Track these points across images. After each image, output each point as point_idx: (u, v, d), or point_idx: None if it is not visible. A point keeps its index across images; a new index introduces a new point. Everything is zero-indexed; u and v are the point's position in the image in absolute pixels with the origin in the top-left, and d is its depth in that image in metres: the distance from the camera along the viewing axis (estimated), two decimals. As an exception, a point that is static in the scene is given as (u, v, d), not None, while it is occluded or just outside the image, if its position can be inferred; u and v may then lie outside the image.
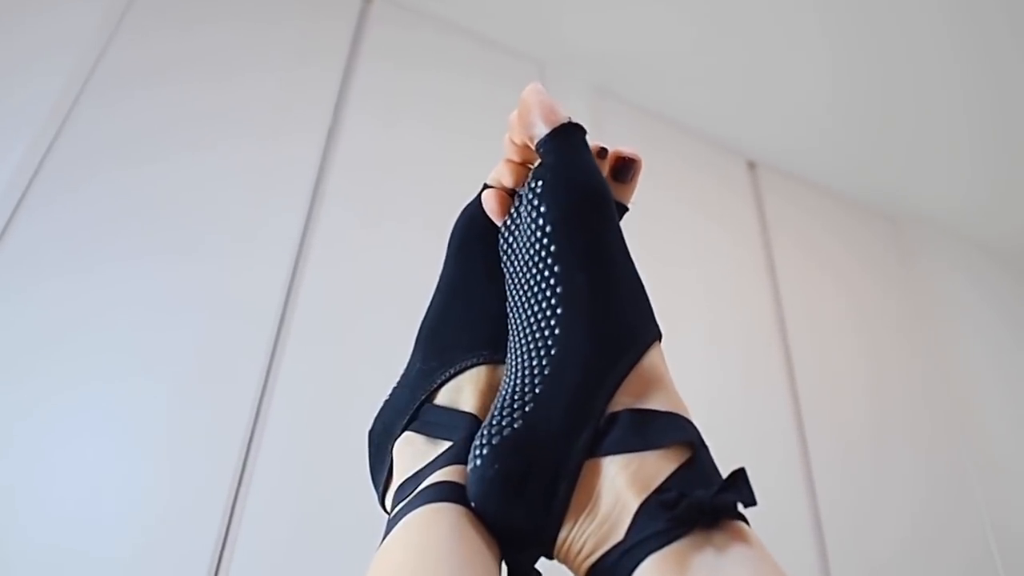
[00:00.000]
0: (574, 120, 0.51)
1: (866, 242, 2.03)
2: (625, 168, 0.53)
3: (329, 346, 1.25)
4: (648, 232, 1.55)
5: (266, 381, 1.18)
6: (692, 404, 0.48)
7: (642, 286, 0.50)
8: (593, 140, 0.52)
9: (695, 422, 0.45)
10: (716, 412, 1.48)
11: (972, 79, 1.78)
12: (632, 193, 0.54)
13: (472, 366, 0.52)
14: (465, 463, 0.45)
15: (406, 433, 0.51)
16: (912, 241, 2.08)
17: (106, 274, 1.17)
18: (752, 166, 1.99)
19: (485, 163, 0.58)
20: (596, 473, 0.42)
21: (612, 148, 0.53)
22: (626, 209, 0.54)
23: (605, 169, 0.53)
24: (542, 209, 0.49)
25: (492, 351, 0.52)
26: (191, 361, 1.15)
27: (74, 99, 1.27)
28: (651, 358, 0.47)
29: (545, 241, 0.48)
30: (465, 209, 0.57)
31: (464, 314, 0.55)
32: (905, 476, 1.63)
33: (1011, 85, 1.78)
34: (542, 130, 0.50)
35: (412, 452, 0.50)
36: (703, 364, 1.54)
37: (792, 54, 1.79)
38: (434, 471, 0.46)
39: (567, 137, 0.50)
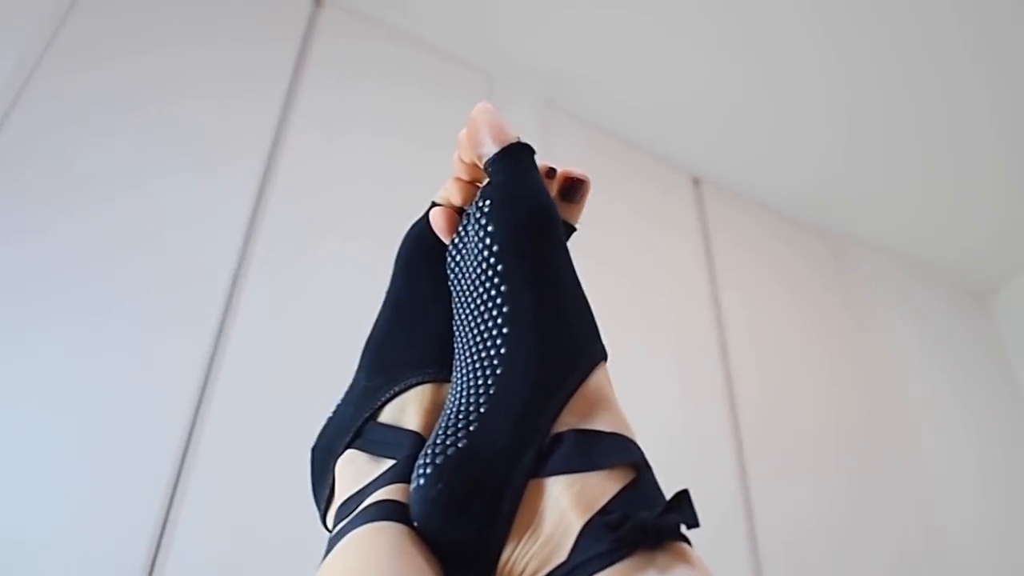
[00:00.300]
0: (523, 139, 0.51)
1: (806, 260, 2.07)
2: (574, 188, 0.53)
3: (269, 359, 1.22)
4: (591, 246, 1.56)
5: (201, 395, 1.15)
6: (631, 421, 0.49)
7: (588, 307, 0.50)
8: (542, 160, 0.52)
9: (637, 441, 0.45)
10: (654, 428, 1.50)
11: (911, 102, 1.84)
12: (580, 214, 0.54)
13: (417, 384, 0.52)
14: (408, 482, 0.44)
15: (349, 451, 0.51)
16: (850, 260, 2.14)
17: (42, 268, 1.13)
18: (697, 182, 2.02)
19: (432, 176, 0.58)
20: (540, 493, 0.42)
21: (561, 168, 0.54)
22: (574, 229, 0.54)
23: (553, 189, 0.53)
24: (489, 228, 0.49)
25: (437, 370, 0.52)
26: (128, 369, 1.12)
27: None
28: (597, 379, 0.47)
29: (492, 260, 0.48)
30: (413, 226, 0.57)
31: (410, 332, 0.54)
32: (841, 491, 1.66)
33: (948, 109, 1.85)
34: (491, 149, 0.50)
35: (355, 470, 0.49)
36: (642, 380, 1.55)
37: (737, 73, 1.83)
38: (377, 489, 0.45)
39: (516, 157, 0.50)
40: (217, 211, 1.32)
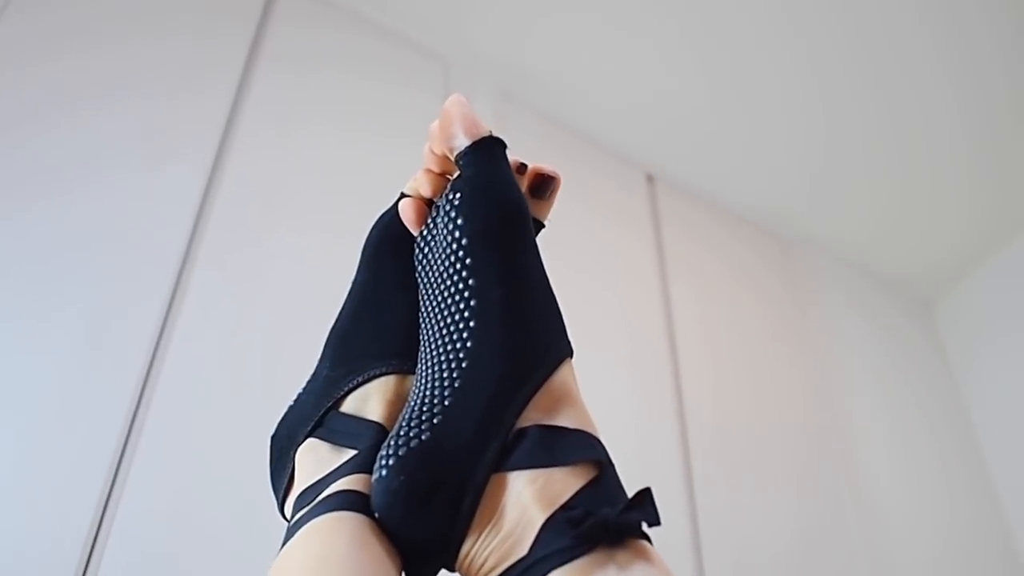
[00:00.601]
0: (495, 134, 0.51)
1: (756, 258, 2.10)
2: (544, 185, 0.54)
3: (214, 352, 1.20)
4: (544, 239, 1.56)
5: (143, 388, 1.12)
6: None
7: (555, 303, 0.50)
8: (513, 156, 0.53)
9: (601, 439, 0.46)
10: (601, 419, 1.51)
11: (869, 109, 1.88)
12: (549, 210, 0.55)
13: (380, 375, 0.52)
14: (369, 472, 0.44)
15: (310, 440, 0.51)
16: (800, 263, 2.18)
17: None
18: (651, 179, 2.03)
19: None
20: (502, 488, 0.42)
21: (532, 165, 0.54)
22: (543, 226, 0.55)
23: (524, 185, 0.53)
24: (459, 221, 0.49)
25: (401, 361, 0.52)
26: (69, 365, 1.09)
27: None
28: (562, 375, 0.47)
29: (461, 254, 0.48)
30: (381, 217, 0.57)
31: (374, 322, 0.54)
32: (785, 496, 1.69)
33: (900, 124, 1.89)
34: (463, 142, 0.50)
35: (315, 459, 0.49)
36: (591, 372, 1.55)
37: (695, 72, 1.85)
38: (337, 479, 0.45)
39: (488, 151, 0.50)
40: (163, 208, 1.27)
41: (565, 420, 0.45)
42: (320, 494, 0.44)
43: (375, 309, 0.55)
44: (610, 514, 0.39)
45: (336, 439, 0.49)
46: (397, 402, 0.50)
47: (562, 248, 1.66)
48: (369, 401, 0.51)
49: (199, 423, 1.14)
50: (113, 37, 1.40)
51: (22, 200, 1.18)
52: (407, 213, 0.53)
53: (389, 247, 0.55)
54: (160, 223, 1.26)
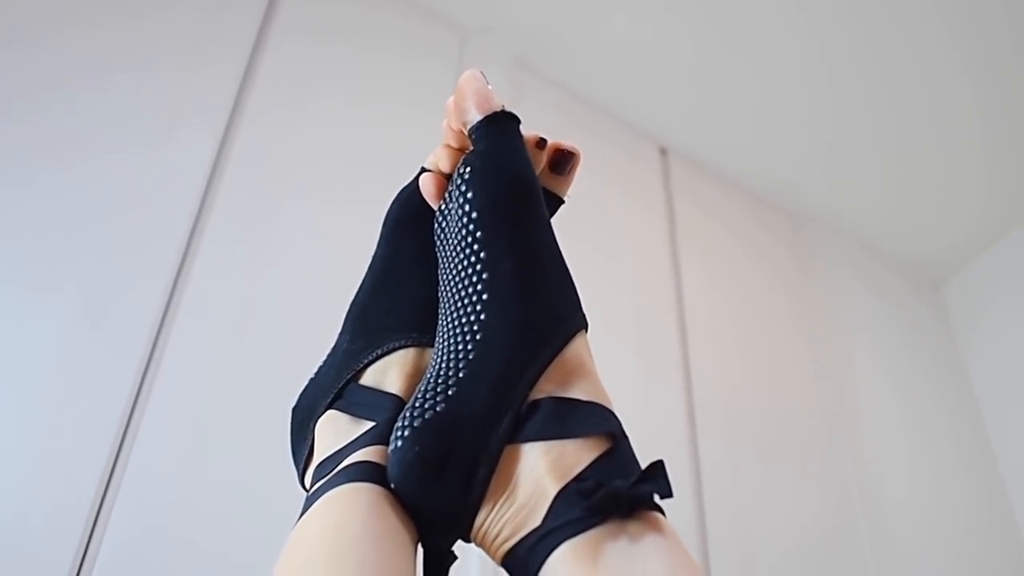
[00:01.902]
0: (508, 108, 0.51)
1: (767, 237, 2.10)
2: (563, 161, 0.54)
3: (221, 324, 1.20)
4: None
5: (149, 361, 1.13)
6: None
7: (569, 275, 0.50)
8: (533, 131, 0.53)
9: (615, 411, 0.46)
10: (610, 393, 1.51)
11: (882, 88, 1.86)
12: (569, 186, 0.55)
13: (399, 348, 0.52)
14: (387, 444, 0.45)
15: (329, 411, 0.51)
16: (811, 241, 2.17)
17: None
18: (664, 152, 2.02)
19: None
20: (516, 459, 0.43)
21: (552, 140, 0.54)
22: (562, 201, 0.55)
23: (543, 160, 0.53)
24: (469, 195, 0.49)
25: (420, 334, 0.52)
26: (77, 333, 1.10)
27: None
28: (575, 347, 0.48)
29: (471, 227, 0.48)
30: (402, 191, 0.57)
31: (394, 296, 0.55)
32: (791, 474, 1.70)
33: (913, 104, 1.87)
34: (475, 116, 0.50)
35: (334, 430, 0.49)
36: (599, 344, 1.55)
37: (713, 46, 1.83)
38: (355, 450, 0.46)
39: (499, 125, 0.51)
40: (172, 181, 1.27)
41: (579, 392, 0.46)
42: (338, 465, 0.45)
43: (395, 283, 0.55)
44: (622, 486, 0.39)
45: (355, 411, 0.50)
46: (416, 375, 0.51)
47: (573, 220, 1.65)
48: (388, 373, 0.51)
49: (205, 395, 1.15)
50: (123, 10, 1.39)
51: (30, 171, 1.18)
52: (427, 187, 0.53)
53: (409, 221, 0.56)
54: (168, 196, 1.26)
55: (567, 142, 0.54)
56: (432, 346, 0.51)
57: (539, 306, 0.47)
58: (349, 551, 0.38)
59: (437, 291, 0.52)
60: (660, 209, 1.90)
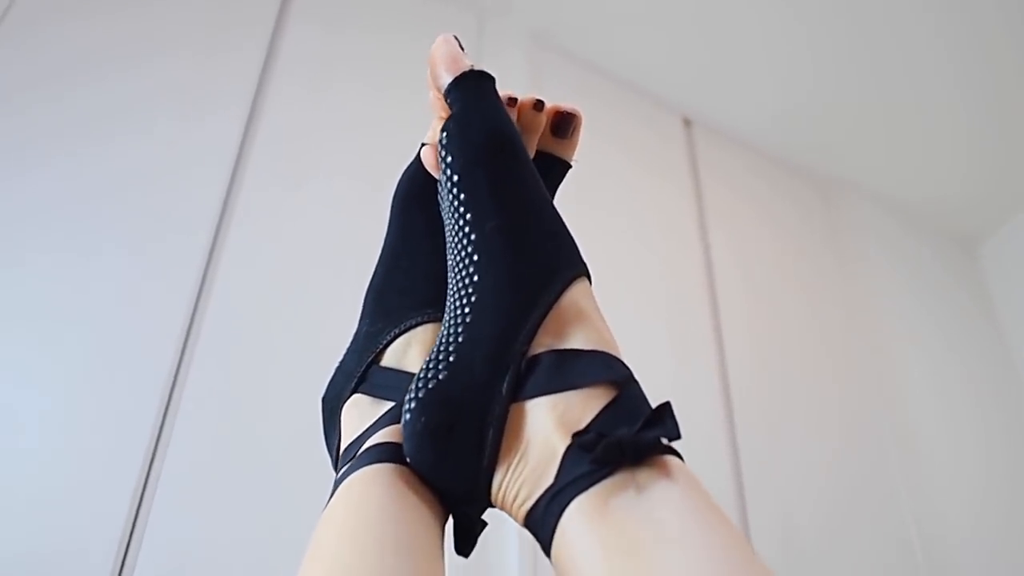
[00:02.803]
0: (481, 68, 0.51)
1: (795, 204, 2.07)
2: (564, 123, 0.53)
3: (254, 299, 1.22)
4: (580, 185, 1.55)
5: (187, 338, 1.15)
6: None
7: (560, 224, 0.49)
8: (530, 94, 0.52)
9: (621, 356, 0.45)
10: (638, 365, 1.51)
11: (914, 47, 1.82)
12: (574, 149, 0.54)
13: (417, 325, 0.52)
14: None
15: (354, 396, 0.51)
16: (839, 204, 2.14)
17: (23, 214, 1.13)
18: (688, 123, 2.00)
19: (422, 118, 0.57)
20: (524, 418, 0.42)
21: (550, 104, 0.53)
22: (569, 166, 0.54)
23: (542, 124, 0.53)
24: (449, 160, 0.49)
25: (436, 308, 0.52)
26: (111, 315, 1.12)
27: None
28: (572, 296, 0.46)
29: (455, 191, 0.48)
30: (406, 170, 0.57)
31: (408, 274, 0.54)
32: (828, 442, 1.69)
33: (952, 56, 1.83)
34: (447, 80, 0.50)
35: (358, 414, 0.49)
36: (630, 323, 1.56)
37: (733, 14, 1.80)
38: (376, 432, 0.46)
39: (468, 84, 0.50)
40: (201, 158, 1.30)
41: (578, 342, 0.44)
42: (360, 448, 0.45)
43: (408, 261, 0.55)
44: (625, 434, 0.38)
45: (376, 392, 0.50)
46: None
47: (600, 197, 1.65)
48: (408, 352, 0.51)
49: (240, 380, 1.16)
50: None
51: (63, 151, 1.21)
52: (428, 159, 0.53)
53: (416, 197, 0.55)
54: (198, 175, 1.29)
55: (566, 104, 0.53)
56: None
57: (527, 259, 0.46)
58: (366, 531, 0.37)
59: (440, 267, 0.52)
60: (686, 181, 1.88)
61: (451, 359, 0.44)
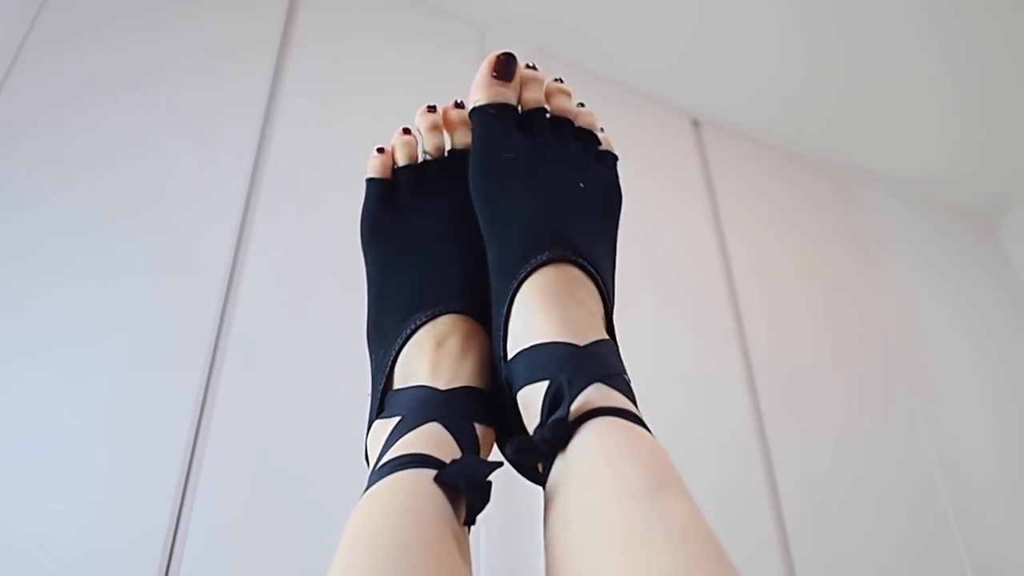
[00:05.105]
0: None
1: (810, 198, 2.05)
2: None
3: (277, 318, 1.23)
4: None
5: (212, 363, 1.15)
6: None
7: (538, 213, 0.53)
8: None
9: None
10: (664, 369, 1.50)
11: (920, 25, 1.81)
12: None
13: (410, 336, 0.53)
14: (409, 432, 0.47)
15: (373, 425, 0.53)
16: (854, 195, 2.12)
17: (48, 247, 1.14)
18: (696, 123, 1.99)
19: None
20: (521, 407, 0.48)
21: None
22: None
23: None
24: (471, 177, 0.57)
25: (423, 313, 0.54)
26: (136, 337, 1.13)
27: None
28: (525, 292, 0.50)
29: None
30: (363, 207, 0.61)
31: (395, 296, 0.56)
32: (855, 427, 1.67)
33: (957, 33, 1.81)
34: (471, 103, 0.58)
35: (376, 440, 0.50)
36: (651, 327, 1.55)
37: (734, 11, 1.79)
38: (386, 451, 0.47)
39: (475, 116, 0.57)
40: (216, 178, 1.32)
41: (538, 335, 0.47)
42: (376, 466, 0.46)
43: (392, 283, 0.57)
44: (525, 440, 0.43)
45: (388, 414, 0.51)
46: (439, 348, 0.53)
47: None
48: (411, 364, 0.53)
49: (267, 390, 1.16)
50: (151, 21, 1.44)
51: (85, 175, 1.23)
52: (373, 166, 0.64)
53: (376, 227, 0.59)
54: (215, 192, 1.30)
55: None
56: (435, 319, 0.54)
57: (494, 268, 0.52)
58: (381, 535, 0.38)
59: (424, 275, 0.55)
60: (698, 182, 1.87)
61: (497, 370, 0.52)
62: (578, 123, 0.63)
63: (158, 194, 1.26)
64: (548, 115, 0.59)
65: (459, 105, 0.58)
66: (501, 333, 0.50)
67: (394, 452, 0.45)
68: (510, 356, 0.48)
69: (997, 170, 2.16)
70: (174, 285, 1.20)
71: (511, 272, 0.50)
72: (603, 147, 0.65)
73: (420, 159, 0.61)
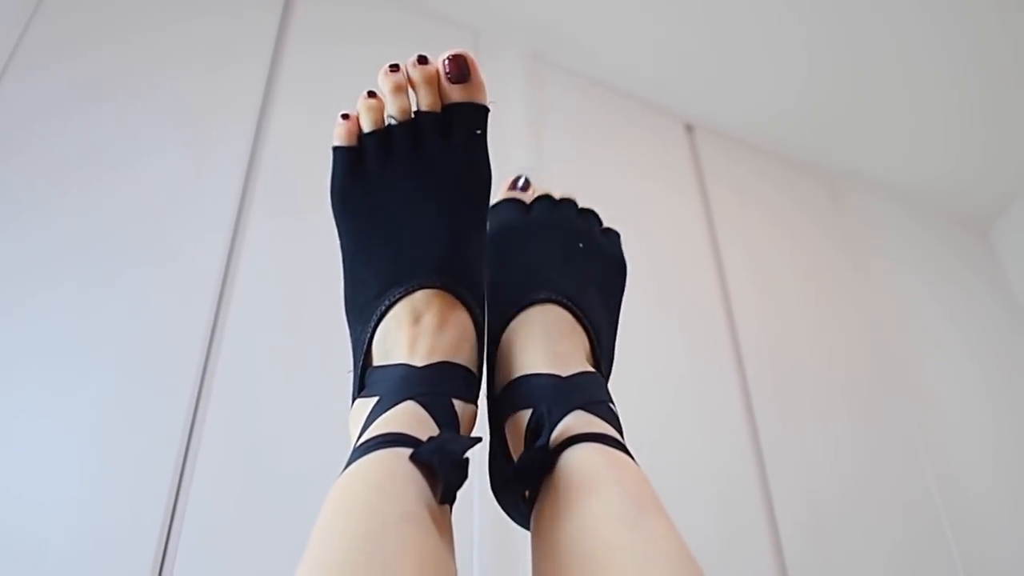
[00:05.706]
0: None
1: (804, 203, 2.06)
2: (459, 68, 0.55)
3: (270, 323, 1.23)
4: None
5: (205, 368, 1.15)
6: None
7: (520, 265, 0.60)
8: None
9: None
10: (658, 375, 1.50)
11: (907, 29, 1.81)
12: (482, 90, 0.57)
13: (386, 311, 0.53)
14: (388, 411, 0.46)
15: (354, 404, 0.52)
16: (848, 200, 2.12)
17: (41, 253, 1.13)
18: (690, 128, 1.99)
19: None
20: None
21: (435, 56, 0.56)
22: (487, 109, 0.56)
23: (432, 75, 0.56)
24: None
25: (400, 286, 0.53)
26: (129, 343, 1.12)
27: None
28: (507, 336, 0.54)
29: None
30: (331, 181, 0.60)
31: (369, 265, 0.55)
32: (850, 434, 1.67)
33: (945, 41, 1.82)
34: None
35: (355, 419, 0.50)
36: (644, 326, 1.54)
37: (728, 16, 1.79)
38: (363, 432, 0.46)
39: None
40: (209, 182, 1.31)
41: (521, 368, 0.51)
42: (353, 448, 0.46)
43: (364, 255, 0.56)
44: (509, 469, 0.47)
45: (367, 393, 0.51)
46: (416, 324, 0.52)
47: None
48: (387, 341, 0.52)
49: (259, 394, 1.16)
50: (144, 26, 1.43)
51: (77, 182, 1.22)
52: (340, 133, 0.63)
53: (347, 196, 0.59)
54: (209, 196, 1.30)
55: (448, 52, 0.56)
56: (409, 294, 0.53)
57: (491, 305, 0.57)
58: (356, 512, 0.38)
59: (397, 248, 0.55)
60: (692, 187, 1.87)
61: None
62: (581, 205, 0.69)
63: (151, 200, 1.25)
64: (553, 200, 0.66)
65: (423, 60, 0.55)
66: (488, 368, 0.54)
67: (371, 432, 0.44)
68: (498, 389, 0.51)
69: (991, 175, 2.16)
70: (167, 289, 1.19)
71: (501, 314, 0.55)
72: (606, 226, 0.72)
73: (386, 123, 0.58)
